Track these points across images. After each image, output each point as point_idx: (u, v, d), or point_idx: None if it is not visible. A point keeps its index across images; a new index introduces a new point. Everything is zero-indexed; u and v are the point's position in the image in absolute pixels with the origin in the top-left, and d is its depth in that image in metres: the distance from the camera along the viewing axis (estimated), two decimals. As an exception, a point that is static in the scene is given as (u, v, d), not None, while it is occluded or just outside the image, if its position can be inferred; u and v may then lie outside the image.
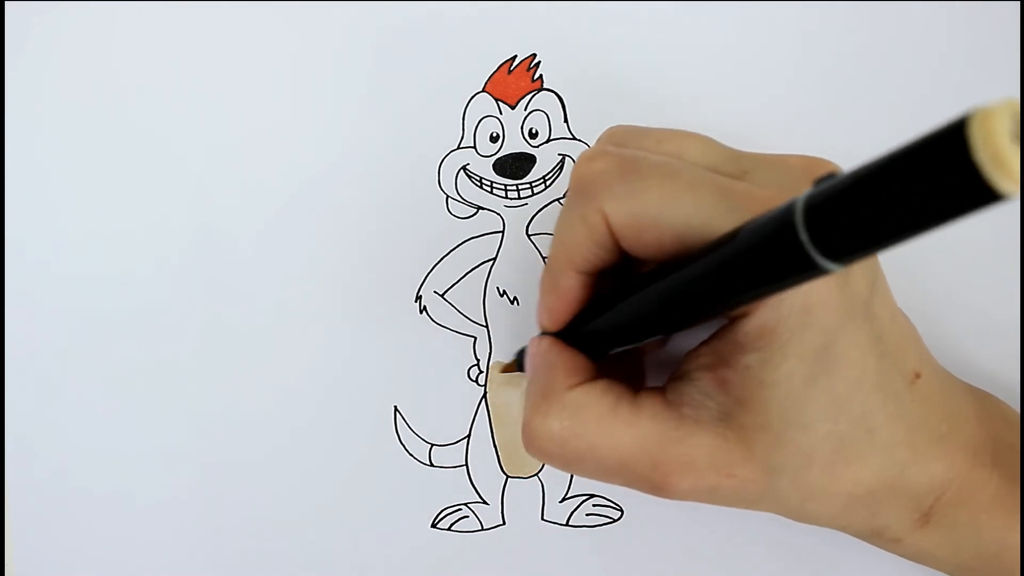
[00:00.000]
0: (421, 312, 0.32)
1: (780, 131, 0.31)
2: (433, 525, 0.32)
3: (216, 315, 0.33)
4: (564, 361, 0.25)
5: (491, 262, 0.32)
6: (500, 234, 0.32)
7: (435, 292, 0.32)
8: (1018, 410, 0.28)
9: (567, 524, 0.32)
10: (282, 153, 0.33)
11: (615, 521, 0.32)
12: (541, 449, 0.24)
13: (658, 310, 0.22)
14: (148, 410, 0.32)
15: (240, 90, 0.33)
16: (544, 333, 0.27)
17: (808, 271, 0.17)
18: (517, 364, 0.31)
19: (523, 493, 0.32)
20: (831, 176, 0.16)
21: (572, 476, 0.32)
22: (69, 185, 0.33)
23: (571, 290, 0.25)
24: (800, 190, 0.18)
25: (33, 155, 0.33)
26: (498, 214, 0.32)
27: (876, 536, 0.26)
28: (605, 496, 0.32)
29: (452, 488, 0.32)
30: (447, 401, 0.32)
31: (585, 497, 0.32)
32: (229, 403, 0.32)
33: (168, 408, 0.32)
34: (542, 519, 0.32)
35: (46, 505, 0.33)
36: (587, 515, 0.32)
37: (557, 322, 0.26)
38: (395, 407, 0.32)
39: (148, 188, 0.33)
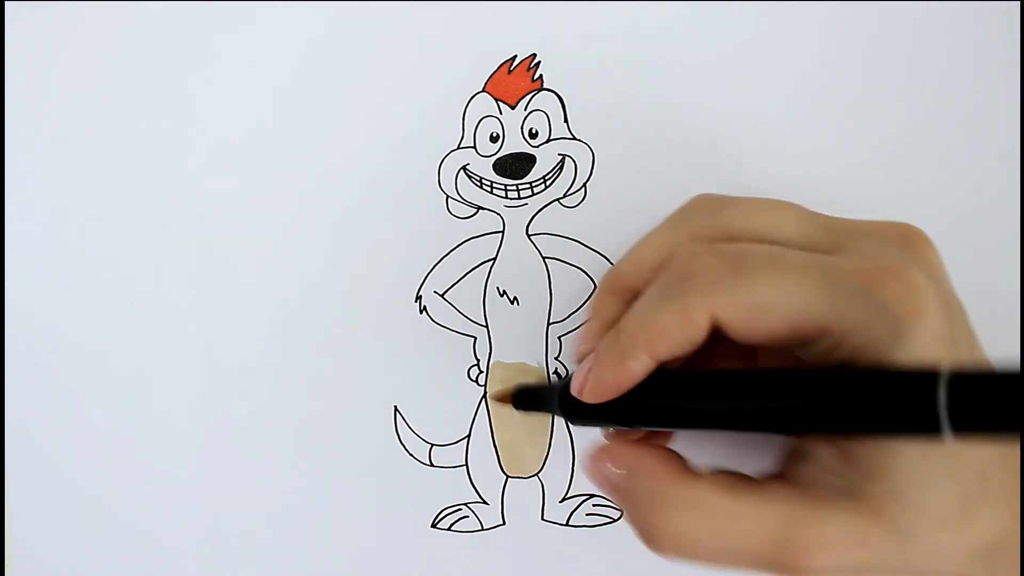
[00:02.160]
0: (421, 312, 0.32)
1: (781, 131, 0.31)
2: (433, 525, 0.32)
3: (216, 315, 0.33)
4: (659, 459, 0.25)
5: (491, 262, 0.32)
6: (500, 234, 0.32)
7: (435, 292, 0.32)
8: None
9: (567, 524, 0.32)
10: (282, 153, 0.33)
11: (615, 521, 0.32)
12: (675, 548, 0.24)
13: (762, 415, 0.23)
14: (148, 410, 0.33)
15: (240, 90, 0.33)
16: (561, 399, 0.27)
17: (929, 436, 0.19)
18: (514, 400, 0.31)
19: (523, 493, 0.32)
20: (969, 373, 0.18)
21: (572, 476, 0.32)
22: (69, 185, 0.33)
23: (635, 373, 0.24)
24: (896, 263, 0.21)
25: (33, 155, 0.33)
26: (498, 214, 0.32)
27: None
28: (605, 496, 0.32)
29: (452, 488, 0.32)
30: (447, 401, 0.32)
31: (585, 497, 0.32)
32: (229, 403, 0.32)
33: (168, 408, 0.33)
34: (542, 519, 0.32)
35: (46, 505, 0.33)
36: (587, 515, 0.32)
37: (600, 398, 0.25)
38: (395, 407, 0.32)
39: (148, 189, 0.33)
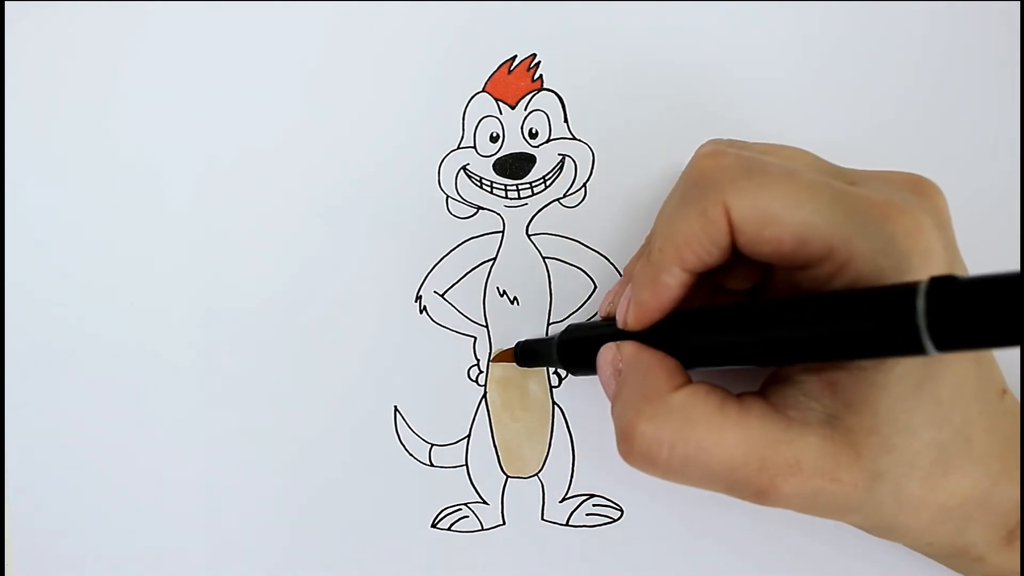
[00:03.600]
0: (421, 312, 0.32)
1: (781, 129, 0.31)
2: (433, 525, 0.32)
3: (216, 315, 0.33)
4: (659, 363, 0.24)
5: (491, 262, 0.32)
6: (500, 234, 0.32)
7: (435, 292, 0.32)
8: None
9: (567, 524, 0.32)
10: (282, 154, 0.33)
11: (615, 521, 0.32)
12: (645, 455, 0.23)
13: (769, 347, 0.22)
14: (148, 411, 0.33)
15: (240, 90, 0.33)
16: (574, 334, 0.27)
17: (912, 351, 0.18)
18: (515, 355, 0.31)
19: (523, 493, 0.32)
20: (947, 277, 0.18)
21: (572, 476, 0.32)
22: (70, 186, 0.33)
23: (671, 289, 0.24)
24: (908, 202, 0.21)
25: (33, 155, 0.33)
26: (498, 214, 0.32)
27: (960, 555, 0.25)
28: (605, 496, 0.32)
29: (452, 488, 0.32)
30: (447, 401, 0.32)
31: (585, 497, 0.32)
32: (229, 403, 0.32)
33: (168, 408, 0.32)
34: (542, 519, 0.32)
35: (46, 505, 0.33)
36: (587, 515, 0.32)
37: (645, 321, 0.25)
38: (395, 407, 0.32)
39: (148, 188, 0.33)
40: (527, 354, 0.31)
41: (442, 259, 0.32)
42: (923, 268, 0.21)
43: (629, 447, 0.23)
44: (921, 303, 0.18)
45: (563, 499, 0.32)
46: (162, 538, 0.32)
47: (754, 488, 0.23)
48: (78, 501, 0.33)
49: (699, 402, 0.23)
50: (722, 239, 0.23)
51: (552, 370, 0.32)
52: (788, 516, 0.31)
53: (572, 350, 0.28)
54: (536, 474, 0.32)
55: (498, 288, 0.32)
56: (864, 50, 0.32)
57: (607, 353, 0.26)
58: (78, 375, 0.33)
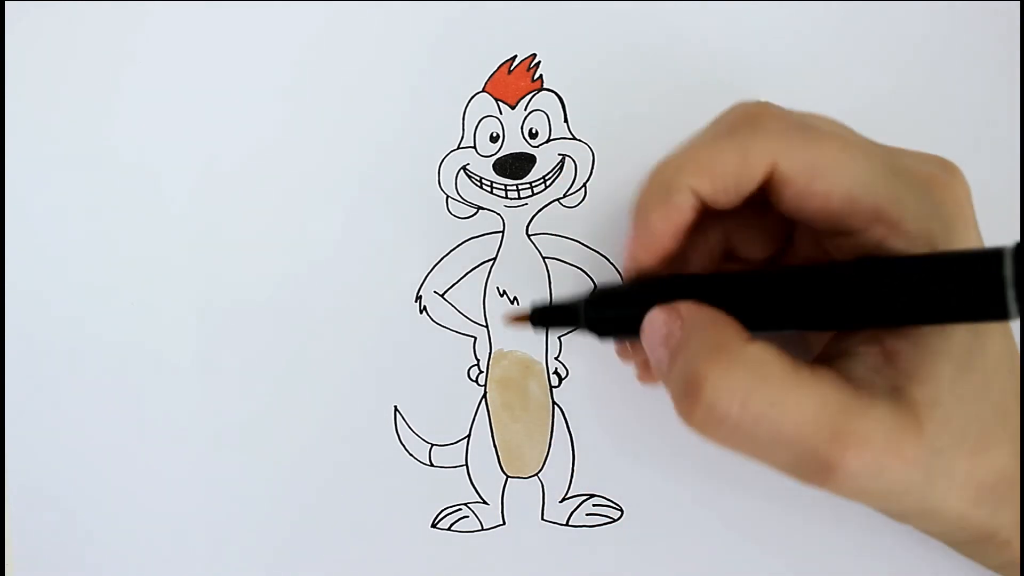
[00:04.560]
0: (421, 312, 0.32)
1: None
2: (433, 525, 0.32)
3: (216, 315, 0.33)
4: (727, 318, 0.22)
5: (491, 262, 0.32)
6: (500, 234, 0.32)
7: (435, 292, 0.32)
8: None
9: (567, 524, 0.32)
10: (282, 154, 0.33)
11: (615, 521, 0.32)
12: (715, 410, 0.21)
13: (834, 311, 0.22)
14: (148, 410, 0.33)
15: (240, 90, 0.33)
16: (605, 295, 0.25)
17: (995, 316, 0.19)
18: (532, 317, 0.28)
19: (523, 493, 0.32)
20: None
21: (572, 476, 0.32)
22: (70, 185, 0.33)
23: (681, 212, 0.23)
24: (946, 175, 0.22)
25: (33, 155, 0.33)
26: (498, 214, 0.32)
27: (988, 539, 0.24)
28: (605, 496, 0.32)
29: (452, 488, 0.32)
30: (447, 401, 0.32)
31: (585, 497, 0.32)
32: (229, 403, 0.32)
33: (168, 408, 0.33)
34: (542, 519, 0.32)
35: (46, 505, 0.33)
36: (587, 515, 0.32)
37: (654, 252, 0.24)
38: (395, 407, 0.32)
39: (148, 188, 0.33)
40: (546, 316, 0.28)
41: (442, 259, 0.32)
42: (966, 236, 0.22)
43: (695, 401, 0.21)
44: (1009, 268, 0.18)
45: (563, 499, 0.32)
46: (162, 538, 0.32)
47: (823, 460, 0.21)
48: (78, 501, 0.33)
49: (774, 359, 0.21)
50: (751, 184, 0.22)
51: (552, 370, 0.32)
52: (788, 516, 0.31)
53: (606, 312, 0.26)
54: (536, 474, 0.32)
55: (498, 288, 0.32)
56: (864, 50, 0.32)
57: (659, 316, 0.23)
58: (78, 375, 0.33)
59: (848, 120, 0.32)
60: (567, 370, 0.32)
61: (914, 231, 0.21)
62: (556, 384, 0.32)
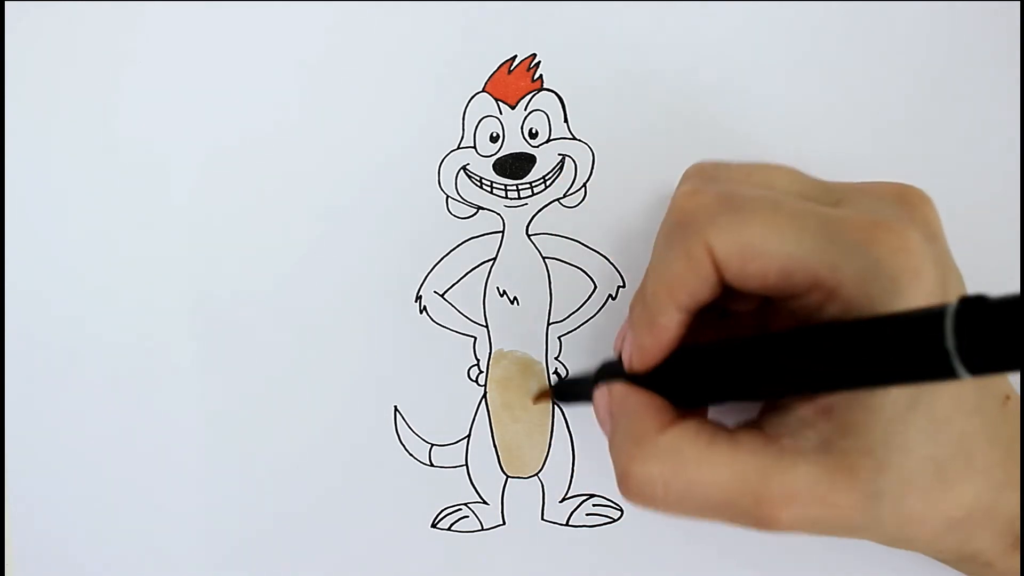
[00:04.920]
0: (421, 312, 0.32)
1: (782, 132, 0.31)
2: (433, 525, 0.32)
3: (216, 315, 0.33)
4: (647, 405, 0.24)
5: (491, 262, 0.32)
6: (500, 234, 0.32)
7: (435, 292, 0.32)
8: None
9: (567, 524, 0.32)
10: (282, 153, 0.33)
11: (615, 521, 0.32)
12: (642, 494, 0.24)
13: (777, 381, 0.22)
14: (148, 410, 0.33)
15: (240, 90, 0.33)
16: (608, 373, 0.27)
17: (942, 376, 0.18)
18: (556, 395, 0.32)
19: (523, 493, 0.32)
20: (977, 298, 0.17)
21: (572, 476, 0.32)
22: (69, 185, 0.33)
23: (668, 330, 0.24)
24: (894, 219, 0.21)
25: (33, 155, 0.33)
26: (498, 214, 0.32)
27: (968, 561, 0.25)
28: (605, 496, 0.32)
29: (452, 488, 0.32)
30: (447, 401, 0.32)
31: (585, 497, 0.32)
32: (229, 403, 0.32)
33: (168, 408, 0.32)
34: (542, 519, 0.32)
35: (46, 505, 0.33)
36: (587, 515, 0.32)
37: (648, 363, 0.25)
38: (395, 407, 0.32)
39: (147, 187, 0.33)
40: (567, 394, 0.31)
41: (442, 259, 0.32)
42: (913, 288, 0.21)
43: (627, 488, 0.24)
44: (950, 327, 0.17)
45: (563, 499, 0.32)
46: (162, 538, 0.32)
47: (753, 519, 0.23)
48: (78, 501, 0.33)
49: (688, 440, 0.23)
50: (710, 276, 0.23)
51: (552, 370, 0.32)
52: (788, 516, 0.31)
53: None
54: (536, 474, 0.32)
55: (498, 288, 0.32)
56: (864, 50, 0.32)
57: (601, 397, 0.26)
58: (78, 375, 0.33)
59: (848, 120, 0.32)
60: (567, 370, 0.32)
61: (852, 294, 0.21)
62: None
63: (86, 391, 0.33)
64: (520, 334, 0.32)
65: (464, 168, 0.32)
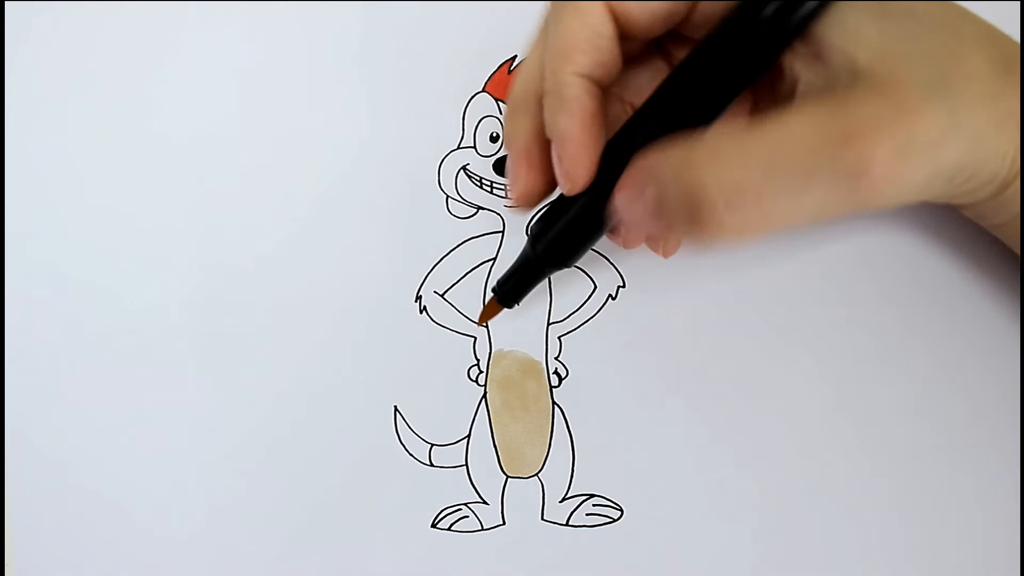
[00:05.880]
0: (421, 312, 0.32)
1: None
2: (433, 525, 0.32)
3: (216, 315, 0.33)
4: (663, 144, 0.22)
5: (491, 262, 0.32)
6: (500, 234, 0.32)
7: (435, 292, 0.32)
8: None
9: (567, 524, 0.32)
10: (282, 153, 0.33)
11: (615, 521, 0.32)
12: (734, 203, 0.20)
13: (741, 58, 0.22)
14: (148, 410, 0.33)
15: (240, 90, 0.33)
16: (549, 219, 0.25)
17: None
18: (498, 299, 0.29)
19: (523, 493, 0.32)
20: None
21: (572, 476, 0.32)
22: (70, 184, 0.33)
23: (584, 103, 0.23)
24: None
25: (33, 155, 0.33)
26: (498, 214, 0.32)
27: (978, 179, 0.23)
28: (605, 496, 0.32)
29: (452, 488, 0.32)
30: (447, 401, 0.32)
31: (585, 497, 0.32)
32: (229, 403, 0.32)
33: (168, 408, 0.32)
34: (542, 519, 0.32)
35: (46, 505, 0.33)
36: (587, 515, 0.32)
37: (578, 152, 0.23)
38: (395, 407, 0.32)
39: (148, 187, 0.33)
40: (509, 291, 0.29)
41: (442, 259, 0.32)
42: None
43: (712, 215, 0.20)
44: None
45: (563, 499, 0.32)
46: (162, 538, 0.32)
47: (854, 168, 0.20)
48: (78, 501, 0.33)
49: (731, 124, 0.22)
50: (603, 26, 0.23)
51: (552, 370, 0.32)
52: (788, 516, 0.31)
53: (555, 235, 0.26)
54: (536, 474, 0.32)
55: (498, 288, 0.32)
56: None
57: (626, 180, 0.23)
58: (78, 375, 0.33)
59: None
60: (567, 370, 0.32)
61: None
62: (556, 384, 0.32)
63: (86, 391, 0.33)
64: (520, 334, 0.32)
65: (464, 168, 0.32)
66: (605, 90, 0.24)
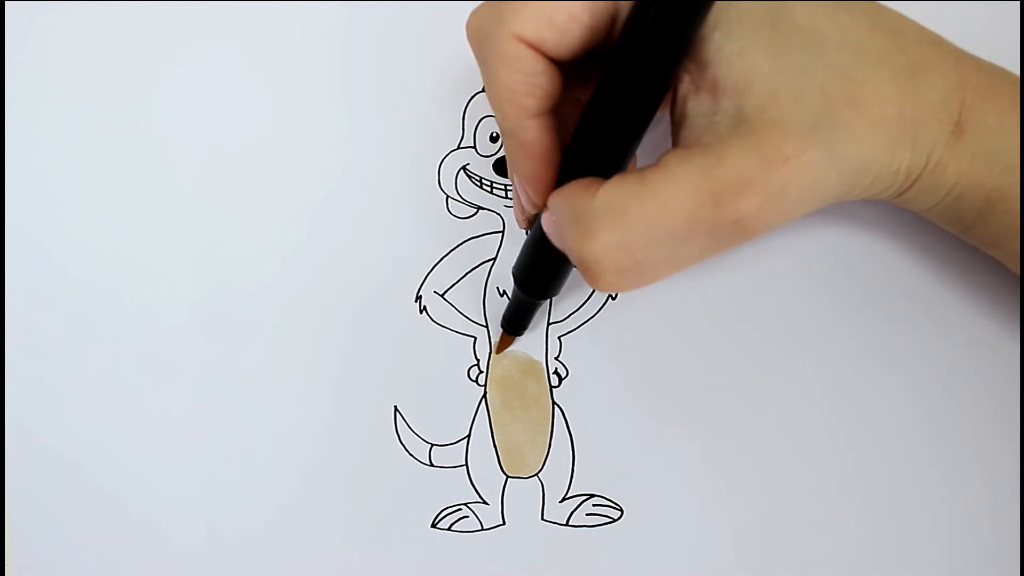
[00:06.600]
0: (421, 312, 0.32)
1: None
2: (433, 525, 0.32)
3: (216, 315, 0.33)
4: (573, 187, 0.23)
5: (491, 262, 0.32)
6: (500, 234, 0.32)
7: (435, 292, 0.32)
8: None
9: (567, 524, 0.32)
10: (282, 153, 0.33)
11: (615, 521, 0.32)
12: (610, 267, 0.22)
13: (625, 107, 0.22)
14: (148, 410, 0.33)
15: (240, 90, 0.33)
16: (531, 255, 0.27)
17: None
18: (507, 330, 0.31)
19: (523, 493, 0.32)
20: None
21: (572, 476, 0.32)
22: (70, 185, 0.33)
23: (537, 141, 0.24)
24: None
25: (33, 155, 0.33)
26: (498, 214, 0.32)
27: (921, 168, 0.24)
28: (605, 496, 0.32)
29: (452, 488, 0.32)
30: (447, 401, 0.32)
31: (585, 497, 0.32)
32: (229, 402, 0.32)
33: (168, 408, 0.32)
34: (542, 519, 0.32)
35: (46, 504, 0.33)
36: (587, 515, 0.32)
37: (542, 186, 0.24)
38: (395, 407, 0.32)
39: (148, 187, 0.33)
40: (513, 325, 0.31)
41: (442, 259, 0.32)
42: None
43: (593, 269, 0.23)
44: None
45: (563, 499, 0.32)
46: (161, 537, 0.32)
47: (727, 223, 0.22)
48: (78, 501, 0.33)
49: (618, 191, 0.22)
50: (536, 64, 0.23)
51: (552, 370, 0.32)
52: (788, 516, 0.31)
53: (533, 275, 0.28)
54: (536, 474, 0.32)
55: (498, 288, 0.32)
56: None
57: (544, 218, 0.25)
58: (78, 374, 0.33)
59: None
60: (567, 370, 0.32)
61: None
62: (556, 384, 0.32)
63: (86, 390, 0.33)
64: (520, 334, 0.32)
65: (464, 168, 0.32)
66: (555, 107, 0.25)
